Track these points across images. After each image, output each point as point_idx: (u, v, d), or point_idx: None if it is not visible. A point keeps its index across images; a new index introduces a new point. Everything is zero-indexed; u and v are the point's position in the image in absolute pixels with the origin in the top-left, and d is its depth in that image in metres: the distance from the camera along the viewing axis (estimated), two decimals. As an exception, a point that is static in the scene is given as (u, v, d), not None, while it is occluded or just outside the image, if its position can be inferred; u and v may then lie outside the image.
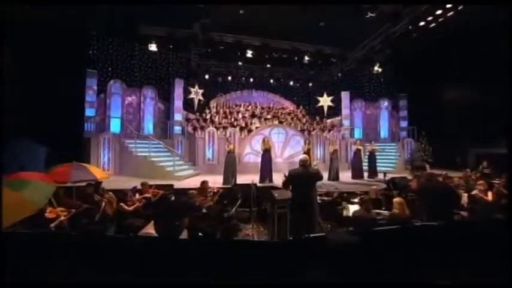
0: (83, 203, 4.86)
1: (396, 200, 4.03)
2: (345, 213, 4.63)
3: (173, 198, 5.51)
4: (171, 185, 6.73)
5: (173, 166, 9.17)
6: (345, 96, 14.65)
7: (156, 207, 4.70)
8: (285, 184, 4.37)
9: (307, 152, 8.97)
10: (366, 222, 3.89)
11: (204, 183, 6.11)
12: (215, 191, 6.23)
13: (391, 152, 13.24)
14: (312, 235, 3.05)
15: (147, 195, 5.57)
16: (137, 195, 5.56)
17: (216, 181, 8.49)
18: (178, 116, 12.76)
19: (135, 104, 12.80)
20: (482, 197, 5.89)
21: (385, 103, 15.27)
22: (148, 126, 12.84)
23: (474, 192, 6.02)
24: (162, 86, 13.63)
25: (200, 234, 4.28)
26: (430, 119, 14.06)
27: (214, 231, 4.74)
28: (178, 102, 12.85)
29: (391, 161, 12.50)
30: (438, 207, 3.73)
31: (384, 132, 15.09)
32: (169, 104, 13.23)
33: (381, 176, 9.67)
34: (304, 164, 4.12)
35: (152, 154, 9.92)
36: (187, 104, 14.09)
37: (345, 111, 14.65)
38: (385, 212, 4.72)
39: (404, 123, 15.11)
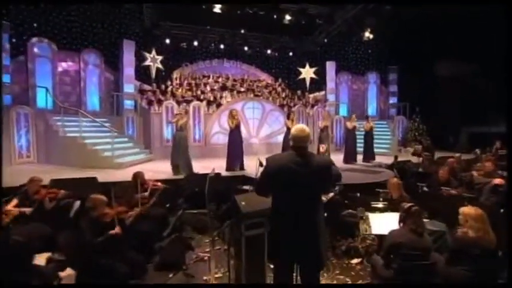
0: None
1: (470, 212, 2.17)
2: (363, 227, 2.74)
3: (77, 206, 3.33)
4: (93, 179, 4.50)
5: (112, 150, 6.82)
6: (330, 67, 12.69)
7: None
8: (261, 184, 2.09)
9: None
10: (419, 259, 2.00)
11: (135, 176, 3.97)
12: (156, 186, 4.11)
13: (382, 131, 11.65)
14: None
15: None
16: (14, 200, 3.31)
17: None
18: (129, 88, 10.21)
19: (73, 71, 10.06)
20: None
21: (373, 77, 13.56)
22: (93, 101, 10.23)
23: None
24: (109, 51, 10.91)
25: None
26: (422, 95, 12.65)
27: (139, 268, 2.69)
28: (129, 70, 10.24)
29: (382, 142, 10.90)
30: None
31: (371, 109, 13.45)
32: (119, 73, 10.59)
33: (379, 159, 7.99)
34: (299, 143, 1.93)
35: (86, 135, 7.48)
36: (145, 74, 11.54)
37: (330, 84, 12.74)
38: (425, 222, 2.87)
39: (394, 100, 13.59)
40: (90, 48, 10.37)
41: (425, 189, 4.42)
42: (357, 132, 8.39)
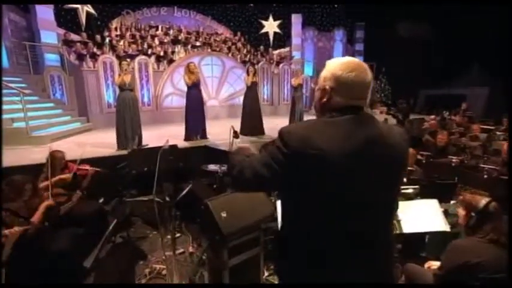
0: None
1: None
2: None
3: None
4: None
5: (26, 120, 5.09)
6: (296, 20, 11.46)
7: None
8: (266, 183, 0.93)
9: (253, 86, 5.81)
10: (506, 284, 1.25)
11: (52, 158, 2.67)
12: (82, 171, 2.86)
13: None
14: None
15: None
16: None
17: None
18: (49, 37, 7.96)
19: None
20: None
21: (340, 34, 12.73)
22: (-3, 53, 7.82)
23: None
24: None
25: None
26: (387, 56, 12.28)
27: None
28: (45, 13, 7.90)
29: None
30: None
31: (337, 69, 12.82)
32: (32, 16, 8.15)
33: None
34: (358, 98, 0.86)
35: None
36: (72, 21, 9.20)
37: (296, 40, 11.63)
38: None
39: (359, 59, 13.03)
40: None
41: (419, 157, 3.84)
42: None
